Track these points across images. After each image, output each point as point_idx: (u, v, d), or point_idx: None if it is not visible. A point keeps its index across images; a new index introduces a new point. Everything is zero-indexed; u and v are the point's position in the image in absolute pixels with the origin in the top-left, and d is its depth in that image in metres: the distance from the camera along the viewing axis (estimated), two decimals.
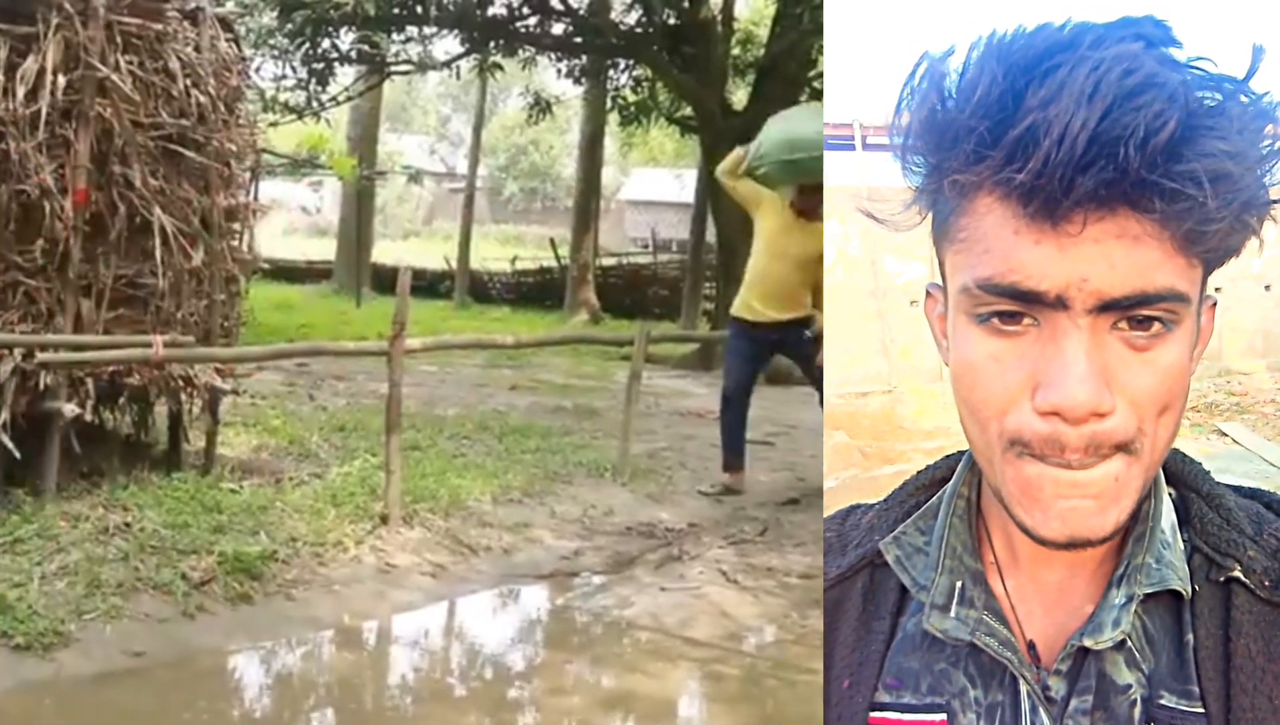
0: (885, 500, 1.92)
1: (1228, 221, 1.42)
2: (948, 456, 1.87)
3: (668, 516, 8.43)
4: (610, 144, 37.04)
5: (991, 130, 1.42)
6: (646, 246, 34.22)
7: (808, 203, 9.33)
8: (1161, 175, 1.37)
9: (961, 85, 1.47)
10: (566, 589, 7.05)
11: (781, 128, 9.85)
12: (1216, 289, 1.60)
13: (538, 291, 28.22)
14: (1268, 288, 12.96)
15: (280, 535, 6.80)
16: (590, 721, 5.34)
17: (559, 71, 20.16)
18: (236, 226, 8.24)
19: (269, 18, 16.00)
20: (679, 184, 40.08)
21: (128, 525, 6.62)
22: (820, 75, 17.88)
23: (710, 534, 8.00)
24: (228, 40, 8.12)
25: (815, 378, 9.60)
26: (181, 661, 5.53)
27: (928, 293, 1.74)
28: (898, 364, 11.62)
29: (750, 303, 9.51)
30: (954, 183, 1.49)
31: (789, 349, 9.66)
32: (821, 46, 16.85)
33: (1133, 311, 1.46)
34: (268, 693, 5.64)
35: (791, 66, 16.90)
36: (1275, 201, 1.47)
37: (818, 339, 9.33)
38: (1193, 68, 1.43)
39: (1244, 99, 1.43)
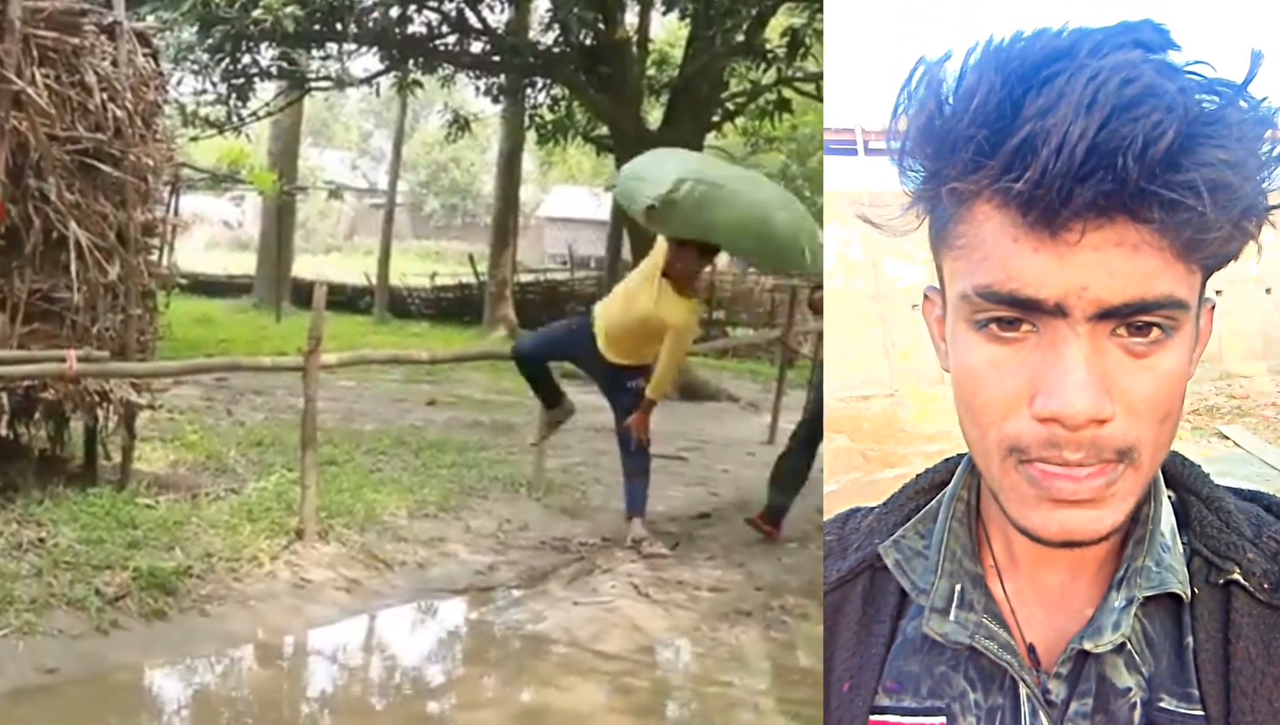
0: (885, 504, 1.93)
1: (1226, 229, 1.44)
2: (947, 460, 1.89)
3: (581, 531, 8.47)
4: (530, 162, 37.09)
5: (990, 138, 1.43)
6: (565, 263, 34.26)
7: (677, 260, 8.13)
8: (1160, 185, 1.38)
9: (959, 92, 1.47)
10: (481, 603, 7.09)
11: (631, 168, 8.75)
12: (1217, 292, 1.57)
13: (457, 307, 28.17)
14: (1268, 291, 13.00)
15: (195, 551, 6.80)
16: None
17: (477, 89, 20.13)
18: (154, 241, 8.22)
19: (188, 33, 15.88)
20: (596, 202, 40.16)
21: (42, 541, 6.60)
22: (732, 96, 18.00)
23: (623, 548, 8.06)
24: (146, 55, 8.09)
25: (622, 437, 8.46)
26: (95, 678, 5.52)
27: (926, 296, 1.74)
28: (899, 367, 11.67)
29: (600, 330, 8.56)
30: (952, 190, 1.50)
31: (611, 394, 8.70)
32: (733, 69, 16.99)
33: (1132, 319, 1.46)
34: (183, 709, 5.65)
35: (704, 87, 16.97)
36: (1274, 207, 1.49)
37: (639, 395, 8.25)
38: (1191, 73, 1.44)
39: (1243, 104, 1.44)
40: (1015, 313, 1.49)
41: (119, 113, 7.59)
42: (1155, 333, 1.48)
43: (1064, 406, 1.45)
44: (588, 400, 15.20)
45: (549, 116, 19.87)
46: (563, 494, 9.41)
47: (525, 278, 29.22)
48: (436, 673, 6.44)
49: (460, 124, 20.68)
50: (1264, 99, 1.45)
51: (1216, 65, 1.46)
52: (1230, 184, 1.41)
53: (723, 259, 31.86)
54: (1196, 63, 1.45)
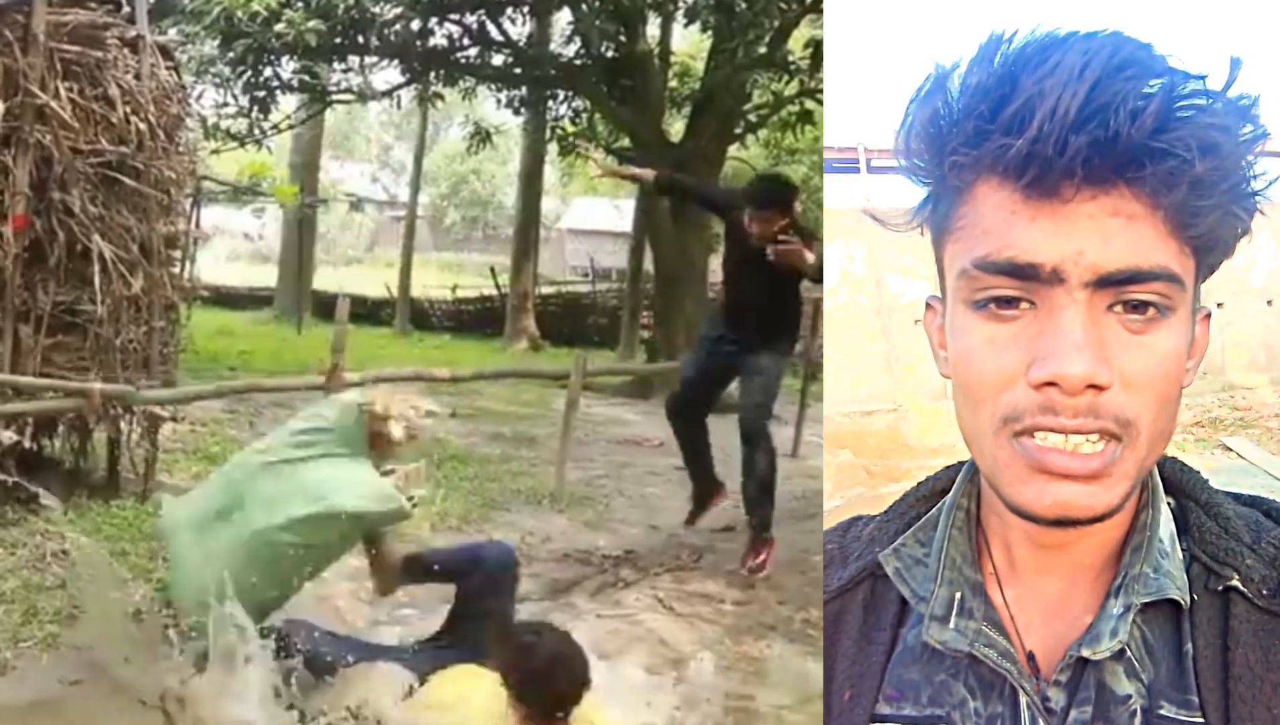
0: (886, 512, 1.95)
1: (1218, 205, 1.48)
2: (948, 468, 1.91)
3: (605, 543, 8.46)
4: (551, 174, 37.11)
5: (990, 109, 1.49)
6: (587, 275, 34.30)
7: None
8: (1150, 138, 1.43)
9: (962, 82, 1.54)
10: None
11: None
12: (1219, 304, 1.63)
13: (478, 319, 28.21)
14: (1270, 303, 12.99)
15: None
16: None
17: (499, 102, 20.20)
18: (176, 253, 8.25)
19: (210, 46, 15.99)
20: (618, 213, 40.15)
21: (65, 553, 6.61)
22: (755, 108, 18.03)
23: (646, 561, 8.04)
24: (168, 68, 8.13)
25: None
26: (117, 690, 5.51)
27: (928, 305, 1.77)
28: (903, 382, 11.68)
29: None
30: (954, 165, 1.55)
31: None
32: (755, 81, 17.00)
33: (1127, 290, 1.49)
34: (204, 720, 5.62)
35: (727, 100, 17.04)
36: (1260, 193, 1.53)
37: None
38: (1176, 72, 1.49)
39: (1220, 107, 1.48)
40: (1013, 285, 1.52)
41: (141, 126, 7.62)
42: (1151, 311, 1.51)
43: (1061, 367, 1.48)
44: (609, 413, 15.26)
45: (571, 129, 19.91)
46: (585, 507, 9.39)
47: (547, 290, 29.25)
48: None
49: (481, 136, 20.75)
50: (1242, 97, 1.51)
51: (1201, 76, 1.52)
52: (1219, 145, 1.46)
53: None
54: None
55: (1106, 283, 1.48)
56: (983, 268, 1.53)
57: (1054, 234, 1.48)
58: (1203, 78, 1.49)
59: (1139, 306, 1.50)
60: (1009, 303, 1.53)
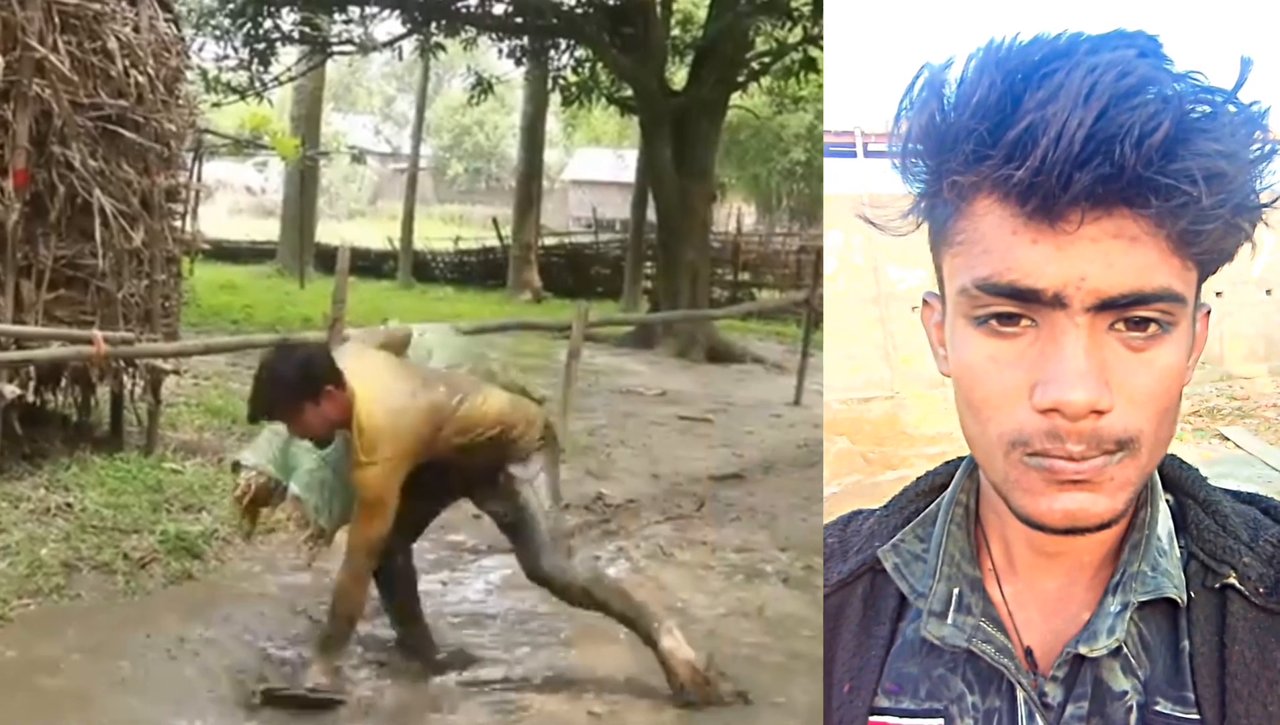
0: (886, 507, 1.94)
1: (1221, 223, 1.45)
2: (947, 462, 1.90)
3: (608, 492, 8.49)
4: (554, 124, 37.01)
5: (991, 131, 1.45)
6: (589, 226, 34.23)
7: None
8: (1156, 172, 1.40)
9: (960, 91, 1.50)
10: (507, 565, 7.08)
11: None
12: (1217, 293, 1.59)
13: (481, 271, 28.22)
14: (1269, 292, 12.98)
15: (222, 514, 6.84)
16: (535, 695, 5.39)
17: (501, 51, 20.17)
18: (177, 207, 8.26)
19: None
20: (621, 164, 40.06)
21: (69, 506, 6.66)
22: (757, 56, 17.97)
23: (649, 510, 8.08)
24: (167, 20, 8.13)
25: None
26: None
27: (925, 301, 1.75)
28: (900, 370, 11.71)
29: None
30: (953, 184, 1.52)
31: None
32: (758, 28, 16.95)
33: (1130, 311, 1.48)
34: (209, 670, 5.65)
35: (729, 48, 16.99)
36: (1267, 205, 1.51)
37: None
38: (1184, 78, 1.46)
39: (1232, 109, 1.46)
40: (1015, 306, 1.51)
41: (141, 79, 7.62)
42: (1153, 328, 1.50)
43: (1063, 394, 1.47)
44: (612, 363, 15.27)
45: (573, 78, 19.86)
46: (588, 456, 9.42)
47: (550, 241, 29.22)
48: (462, 633, 6.43)
49: (483, 87, 20.70)
50: (1254, 102, 1.48)
51: (1208, 73, 1.48)
52: (1225, 173, 1.43)
53: (748, 220, 31.60)
54: (1189, 72, 1.48)
55: (1109, 306, 1.47)
56: (984, 289, 1.52)
57: (1056, 258, 1.46)
58: (1211, 91, 1.46)
59: (1140, 323, 1.50)
60: (1010, 319, 1.52)
